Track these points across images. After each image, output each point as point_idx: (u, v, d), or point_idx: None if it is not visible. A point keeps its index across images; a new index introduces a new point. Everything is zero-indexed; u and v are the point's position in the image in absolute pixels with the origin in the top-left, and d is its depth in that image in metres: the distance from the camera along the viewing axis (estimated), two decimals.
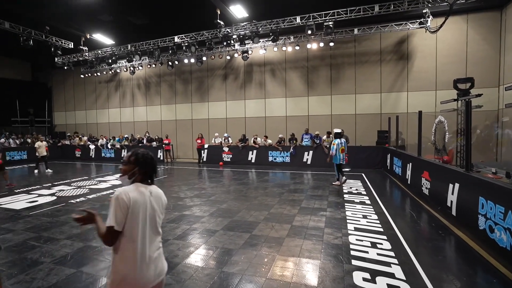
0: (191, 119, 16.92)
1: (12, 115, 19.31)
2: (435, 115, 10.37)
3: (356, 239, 4.44)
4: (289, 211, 5.99)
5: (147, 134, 16.47)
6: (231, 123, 15.82)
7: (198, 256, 3.96)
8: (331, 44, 12.79)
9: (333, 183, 8.67)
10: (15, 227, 5.23)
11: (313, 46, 13.21)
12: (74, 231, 4.94)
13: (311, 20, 11.51)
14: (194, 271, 3.52)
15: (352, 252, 3.98)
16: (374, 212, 5.84)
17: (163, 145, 15.45)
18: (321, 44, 13.00)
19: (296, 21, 11.75)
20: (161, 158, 15.35)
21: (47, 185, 9.25)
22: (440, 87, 12.04)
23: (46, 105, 20.90)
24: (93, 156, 17.08)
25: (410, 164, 7.82)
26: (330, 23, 11.36)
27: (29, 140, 17.47)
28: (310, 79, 14.29)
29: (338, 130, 8.88)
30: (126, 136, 16.99)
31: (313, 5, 11.36)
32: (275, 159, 13.20)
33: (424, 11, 10.94)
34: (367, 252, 3.98)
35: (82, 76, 18.30)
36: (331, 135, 12.44)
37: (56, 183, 9.57)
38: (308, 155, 12.66)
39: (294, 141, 12.89)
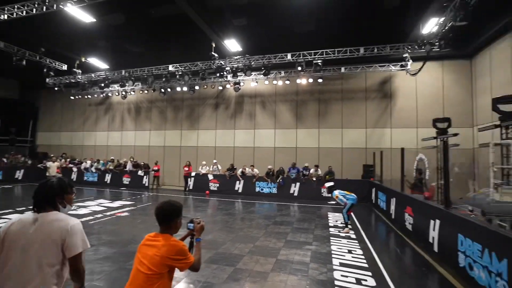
0: (179, 146, 16.89)
1: None
2: (417, 151, 10.80)
3: (341, 275, 4.40)
4: (275, 244, 5.91)
5: (132, 159, 16.21)
6: (220, 152, 15.87)
7: None
8: (320, 80, 13.45)
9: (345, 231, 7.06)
10: None
11: (302, 81, 13.84)
12: None
13: (301, 57, 12.20)
14: None
15: None
16: (359, 247, 5.83)
17: (153, 171, 15.21)
18: (310, 80, 13.65)
19: (287, 57, 12.41)
20: (146, 185, 15.02)
21: (20, 209, 8.69)
22: (421, 125, 12.66)
23: (31, 124, 20.49)
24: (74, 180, 16.51)
25: (394, 199, 7.99)
26: (319, 61, 12.07)
27: (5, 160, 16.89)
28: (299, 112, 14.78)
29: (331, 184, 8.40)
30: (112, 158, 16.67)
31: (303, 43, 12.11)
32: (262, 189, 13.15)
33: (404, 55, 11.85)
34: None
35: (72, 98, 18.25)
36: (318, 169, 12.65)
37: (30, 207, 9.09)
38: (295, 186, 12.72)
39: (281, 174, 12.98)
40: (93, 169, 16.21)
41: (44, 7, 9.37)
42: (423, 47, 10.00)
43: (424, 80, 12.73)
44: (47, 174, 12.51)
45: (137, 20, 11.08)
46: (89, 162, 16.65)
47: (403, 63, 12.21)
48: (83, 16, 9.77)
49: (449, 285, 4.14)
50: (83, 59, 14.66)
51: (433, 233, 5.14)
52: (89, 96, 17.95)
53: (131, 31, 11.94)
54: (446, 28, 8.14)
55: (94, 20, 10.14)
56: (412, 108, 13.06)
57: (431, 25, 9.10)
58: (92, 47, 13.67)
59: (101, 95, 17.83)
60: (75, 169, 16.63)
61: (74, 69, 15.15)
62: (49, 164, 12.74)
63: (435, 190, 9.76)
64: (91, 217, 7.87)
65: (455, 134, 8.66)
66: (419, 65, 11.33)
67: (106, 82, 15.81)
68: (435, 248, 5.05)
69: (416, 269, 4.90)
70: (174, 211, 2.01)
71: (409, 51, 11.41)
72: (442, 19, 8.15)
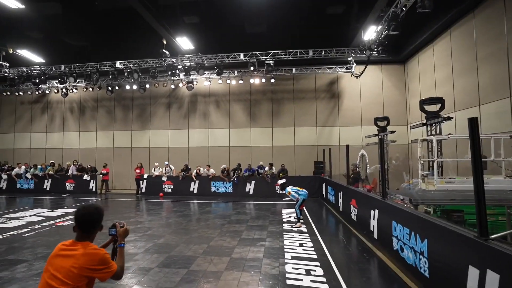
0: (130, 147, 15.95)
1: None
2: (361, 147, 11.75)
3: (292, 268, 4.62)
4: (229, 243, 5.95)
5: (75, 163, 14.85)
6: (174, 153, 15.38)
7: None
8: (272, 80, 13.81)
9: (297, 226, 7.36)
10: None
11: (255, 81, 14.07)
12: None
13: (254, 57, 12.40)
14: None
15: (288, 281, 4.11)
16: (309, 240, 6.16)
17: (101, 175, 14.10)
18: (263, 80, 13.95)
19: (240, 57, 12.51)
20: (93, 190, 13.91)
21: None
22: (364, 124, 13.79)
23: None
24: (4, 188, 14.58)
25: (341, 192, 8.59)
26: (271, 61, 12.39)
27: None
28: (253, 112, 15.01)
29: (283, 180, 8.47)
30: (52, 162, 15.05)
31: (255, 44, 12.33)
32: (217, 189, 13.08)
33: (349, 58, 12.78)
34: (301, 280, 4.17)
35: None
36: (273, 167, 13.00)
37: None
38: (250, 185, 12.90)
39: (239, 171, 13.06)
40: (28, 175, 14.46)
41: None
42: (364, 52, 10.91)
43: (367, 82, 13.89)
44: None
45: (77, 11, 10.18)
46: (23, 167, 14.80)
47: (348, 65, 13.18)
48: (8, 1, 8.65)
49: (385, 267, 4.62)
50: (10, 51, 12.97)
51: (373, 222, 5.66)
52: (21, 93, 15.98)
53: (70, 22, 10.95)
54: (382, 36, 9.00)
55: (23, 6, 9.05)
56: (357, 107, 14.16)
57: (370, 32, 9.97)
58: (22, 38, 12.18)
59: (36, 92, 16.02)
60: (4, 176, 14.67)
61: (0, 62, 13.34)
62: None
63: (377, 183, 10.75)
64: (25, 229, 7.06)
65: (392, 132, 9.66)
66: (362, 68, 12.34)
67: (42, 77, 14.19)
68: (375, 235, 5.56)
69: (359, 255, 5.35)
70: (101, 215, 1.80)
71: (352, 55, 12.34)
72: (379, 27, 8.99)
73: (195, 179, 13.13)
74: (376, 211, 5.52)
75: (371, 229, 5.75)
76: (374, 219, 5.63)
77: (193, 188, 13.17)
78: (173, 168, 13.77)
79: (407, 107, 13.65)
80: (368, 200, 6.15)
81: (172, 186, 13.35)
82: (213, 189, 13.08)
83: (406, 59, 13.41)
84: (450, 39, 10.01)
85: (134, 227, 7.31)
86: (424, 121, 7.50)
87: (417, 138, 6.46)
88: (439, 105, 7.73)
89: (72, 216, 8.48)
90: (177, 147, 15.43)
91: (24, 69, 14.25)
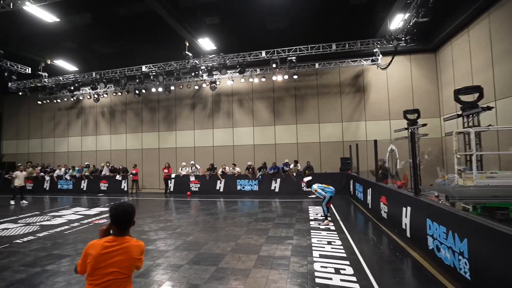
0: (158, 148, 16.54)
1: None
2: (390, 141, 11.26)
3: (321, 266, 4.54)
4: (256, 241, 5.97)
5: (108, 164, 15.66)
6: (199, 152, 15.72)
7: None
8: (295, 76, 13.63)
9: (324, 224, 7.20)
10: None
11: (278, 78, 13.96)
12: (17, 276, 4.46)
13: (276, 54, 12.30)
14: None
15: (317, 280, 4.05)
16: (338, 238, 6.03)
17: (131, 175, 14.81)
18: (286, 77, 13.80)
19: (261, 55, 12.47)
20: (125, 189, 14.60)
21: None
22: (393, 117, 13.21)
23: None
24: (47, 189, 15.75)
25: (370, 189, 8.30)
26: (293, 57, 12.23)
27: None
28: (276, 109, 14.92)
29: (309, 178, 8.26)
30: (87, 164, 16.03)
31: (277, 41, 12.22)
32: (243, 187, 13.19)
33: (374, 50, 12.28)
34: (331, 279, 4.09)
35: (39, 102, 17.32)
36: (298, 164, 12.86)
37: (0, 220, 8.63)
38: (275, 183, 12.87)
39: (264, 170, 13.06)
40: (67, 176, 15.50)
41: None
42: (391, 42, 10.42)
43: (394, 74, 13.28)
44: (15, 184, 11.81)
45: (105, 19, 10.69)
46: (63, 169, 15.91)
47: (373, 57, 12.66)
48: (46, 16, 9.27)
49: (420, 268, 4.40)
50: (48, 61, 13.95)
51: (406, 220, 5.41)
52: (58, 100, 17.16)
53: (100, 31, 11.52)
54: (411, 24, 8.52)
55: (58, 20, 9.66)
56: (384, 100, 13.59)
57: (397, 21, 9.49)
58: (58, 49, 13.04)
59: (72, 99, 17.11)
60: (47, 178, 15.83)
61: (40, 72, 14.39)
62: (15, 173, 11.99)
63: (409, 179, 10.25)
64: (67, 227, 7.57)
65: (424, 125, 9.16)
66: (389, 59, 11.80)
67: (76, 85, 15.12)
68: (408, 234, 5.32)
69: (391, 254, 5.14)
70: (134, 212, 2.00)
71: (378, 46, 11.83)
72: (407, 15, 8.53)
73: (221, 178, 13.33)
74: (409, 208, 5.27)
75: (403, 227, 5.50)
76: (406, 216, 5.38)
77: (219, 187, 13.39)
78: (199, 167, 14.09)
79: (439, 98, 12.87)
80: (400, 197, 5.89)
81: (199, 185, 13.67)
82: (239, 187, 13.21)
83: (438, 47, 12.62)
84: (489, 22, 9.26)
85: (164, 225, 7.57)
86: (460, 112, 7.01)
87: (452, 130, 6.06)
88: (476, 95, 7.17)
89: (107, 215, 8.98)
90: (203, 146, 15.76)
91: (61, 78, 15.25)
